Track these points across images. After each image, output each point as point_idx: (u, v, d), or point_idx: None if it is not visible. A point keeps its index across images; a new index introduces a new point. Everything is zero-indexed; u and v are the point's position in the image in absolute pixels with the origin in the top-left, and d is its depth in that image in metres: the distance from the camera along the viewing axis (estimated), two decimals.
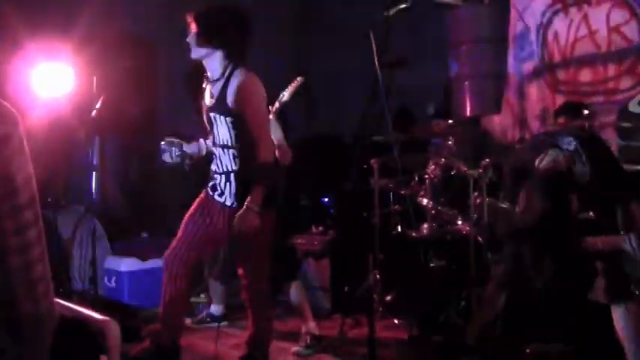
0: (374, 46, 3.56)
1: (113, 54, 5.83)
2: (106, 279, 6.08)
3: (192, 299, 5.82)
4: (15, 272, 1.67)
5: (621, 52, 5.73)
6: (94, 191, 6.24)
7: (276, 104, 4.69)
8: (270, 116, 4.49)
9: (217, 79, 4.10)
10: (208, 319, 5.63)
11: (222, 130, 4.12)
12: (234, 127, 4.08)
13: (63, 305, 2.74)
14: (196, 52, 4.09)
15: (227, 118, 4.07)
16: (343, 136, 7.20)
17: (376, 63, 3.56)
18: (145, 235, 6.65)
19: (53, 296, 2.12)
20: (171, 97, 6.74)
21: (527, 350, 4.51)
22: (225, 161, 4.18)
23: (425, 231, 5.36)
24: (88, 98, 5.32)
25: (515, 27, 6.66)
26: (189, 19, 4.08)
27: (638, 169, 4.85)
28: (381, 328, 5.00)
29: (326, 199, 6.67)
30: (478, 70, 6.79)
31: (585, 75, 5.78)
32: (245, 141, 4.05)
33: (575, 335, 4.44)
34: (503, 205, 5.14)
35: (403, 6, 3.46)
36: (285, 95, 4.72)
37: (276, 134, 4.50)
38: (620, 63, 5.74)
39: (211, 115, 4.17)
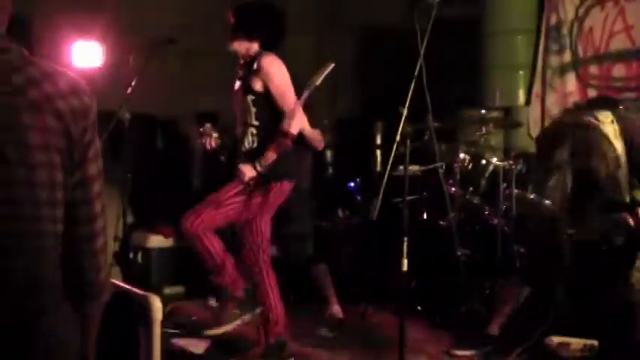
0: (418, 29, 3.58)
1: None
2: (131, 254, 6.12)
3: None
4: (81, 241, 1.73)
5: None
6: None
7: (306, 92, 4.72)
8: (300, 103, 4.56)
9: (245, 63, 4.30)
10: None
11: (245, 109, 4.25)
12: (254, 105, 4.22)
13: None
14: (235, 45, 4.28)
15: (249, 97, 4.23)
16: (370, 120, 7.19)
17: (421, 49, 3.57)
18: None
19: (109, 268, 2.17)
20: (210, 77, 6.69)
21: (549, 342, 4.55)
22: (247, 140, 4.27)
23: (452, 220, 5.37)
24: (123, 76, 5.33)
25: (549, 19, 6.63)
26: (229, 14, 4.28)
27: None
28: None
29: (352, 184, 6.68)
30: (509, 61, 6.77)
31: (618, 70, 5.75)
32: (267, 118, 4.20)
33: (597, 331, 4.47)
34: (532, 197, 5.15)
35: None
36: (316, 81, 4.74)
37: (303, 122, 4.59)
38: None
39: (239, 97, 4.31)
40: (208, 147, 4.43)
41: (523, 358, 4.48)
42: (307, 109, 4.88)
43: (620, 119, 4.53)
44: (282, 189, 4.30)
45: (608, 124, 4.54)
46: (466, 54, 7.04)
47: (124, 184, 6.12)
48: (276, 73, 4.19)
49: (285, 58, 4.28)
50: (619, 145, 4.40)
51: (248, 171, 4.15)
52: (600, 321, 4.43)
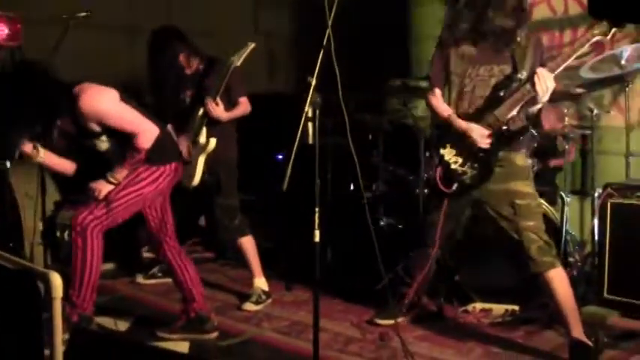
0: (326, 5, 3.55)
1: None
2: (58, 233, 6.02)
3: (144, 254, 5.83)
4: None
5: (577, 18, 5.76)
6: None
7: (227, 70, 4.77)
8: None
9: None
10: (159, 274, 5.62)
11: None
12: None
13: (6, 257, 2.76)
14: None
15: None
16: (299, 93, 7.16)
17: (329, 23, 3.55)
18: None
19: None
20: None
21: (470, 308, 4.64)
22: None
23: (377, 190, 5.41)
24: None
25: None
26: None
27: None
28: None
29: (280, 157, 6.67)
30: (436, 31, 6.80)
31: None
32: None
33: (519, 295, 4.56)
34: None
35: None
36: (236, 62, 4.78)
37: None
38: (575, 29, 5.78)
39: None
40: None
41: (444, 325, 4.56)
42: (227, 90, 4.90)
43: None
44: (171, 171, 4.28)
45: None
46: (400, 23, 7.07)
47: None
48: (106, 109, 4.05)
49: (222, 36, 4.16)
50: None
51: (103, 187, 4.09)
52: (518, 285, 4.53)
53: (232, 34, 6.75)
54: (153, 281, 5.61)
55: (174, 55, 5.07)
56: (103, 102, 4.03)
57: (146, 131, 4.09)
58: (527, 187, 4.05)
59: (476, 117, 4.02)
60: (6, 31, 5.17)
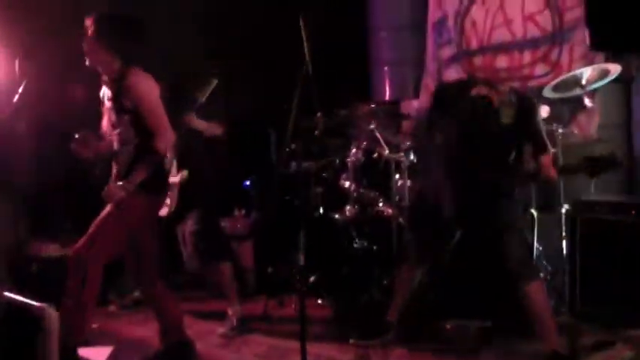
0: (303, 32, 3.65)
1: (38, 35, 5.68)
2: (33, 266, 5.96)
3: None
4: None
5: (536, 40, 5.95)
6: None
7: (192, 108, 4.85)
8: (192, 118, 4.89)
9: (113, 80, 4.16)
10: (131, 304, 5.61)
11: (123, 127, 4.16)
12: (131, 124, 4.12)
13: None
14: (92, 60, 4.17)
15: (125, 116, 4.12)
16: (265, 120, 7.23)
17: (305, 48, 3.65)
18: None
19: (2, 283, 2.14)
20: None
21: (447, 326, 4.70)
22: (124, 159, 4.19)
23: (347, 213, 5.48)
24: (10, 82, 5.21)
25: (434, 14, 6.83)
26: (88, 22, 4.13)
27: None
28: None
29: (247, 182, 6.72)
30: (398, 56, 6.97)
31: (501, 61, 5.93)
32: (142, 135, 4.11)
33: (493, 311, 4.65)
34: None
35: None
36: (200, 97, 4.87)
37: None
38: (534, 50, 5.97)
39: (110, 115, 4.24)
40: (84, 155, 4.28)
41: (424, 344, 4.63)
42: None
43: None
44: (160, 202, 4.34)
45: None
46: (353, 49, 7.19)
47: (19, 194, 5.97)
48: (147, 94, 4.11)
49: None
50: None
51: (118, 191, 4.05)
52: (492, 300, 4.62)
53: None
54: (128, 311, 5.60)
55: None
56: (150, 85, 4.11)
57: (167, 134, 4.11)
58: None
59: None
60: None
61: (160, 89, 4.91)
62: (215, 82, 4.91)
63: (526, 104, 4.25)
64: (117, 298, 5.71)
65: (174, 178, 5.03)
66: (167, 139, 4.11)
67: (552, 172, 4.11)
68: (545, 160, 4.16)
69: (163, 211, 5.00)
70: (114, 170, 4.24)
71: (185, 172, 5.02)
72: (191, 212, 5.11)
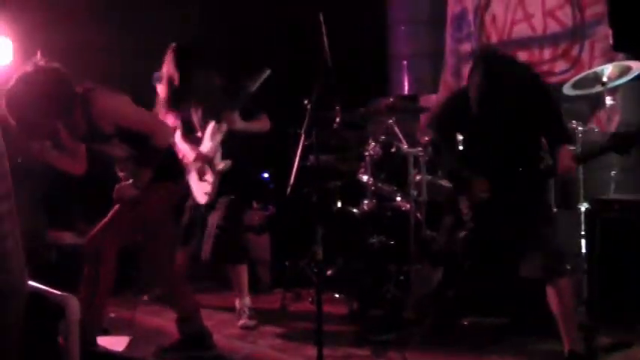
0: (323, 27, 3.65)
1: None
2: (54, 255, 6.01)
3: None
4: None
5: (556, 36, 5.91)
6: None
7: (241, 98, 4.84)
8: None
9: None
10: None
11: (117, 149, 4.16)
12: (122, 142, 4.10)
13: None
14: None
15: (113, 140, 4.09)
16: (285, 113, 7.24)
17: (325, 42, 3.65)
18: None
19: (25, 271, 2.16)
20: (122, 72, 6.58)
21: (465, 322, 4.69)
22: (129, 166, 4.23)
23: (365, 207, 5.48)
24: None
25: (453, 8, 6.81)
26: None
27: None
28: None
29: (265, 175, 6.73)
30: (416, 50, 6.95)
31: (521, 57, 5.93)
32: (137, 145, 4.09)
33: (510, 309, 4.63)
34: (442, 182, 5.31)
35: None
36: (251, 87, 4.86)
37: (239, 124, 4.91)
38: (555, 46, 5.93)
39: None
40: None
41: (442, 340, 4.62)
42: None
43: None
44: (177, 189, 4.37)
45: None
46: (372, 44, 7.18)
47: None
48: (120, 105, 4.04)
49: None
50: None
51: (129, 190, 4.09)
52: (509, 299, 4.60)
53: None
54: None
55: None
56: (121, 101, 4.05)
57: (163, 128, 4.14)
58: None
59: None
60: None
61: (215, 77, 4.98)
62: (268, 72, 4.87)
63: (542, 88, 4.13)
64: (150, 288, 5.72)
65: (219, 167, 5.00)
66: (165, 134, 4.13)
67: (570, 163, 3.99)
68: (564, 150, 4.08)
69: (203, 199, 5.05)
70: (121, 175, 4.28)
71: (229, 162, 4.99)
72: (221, 201, 5.08)
